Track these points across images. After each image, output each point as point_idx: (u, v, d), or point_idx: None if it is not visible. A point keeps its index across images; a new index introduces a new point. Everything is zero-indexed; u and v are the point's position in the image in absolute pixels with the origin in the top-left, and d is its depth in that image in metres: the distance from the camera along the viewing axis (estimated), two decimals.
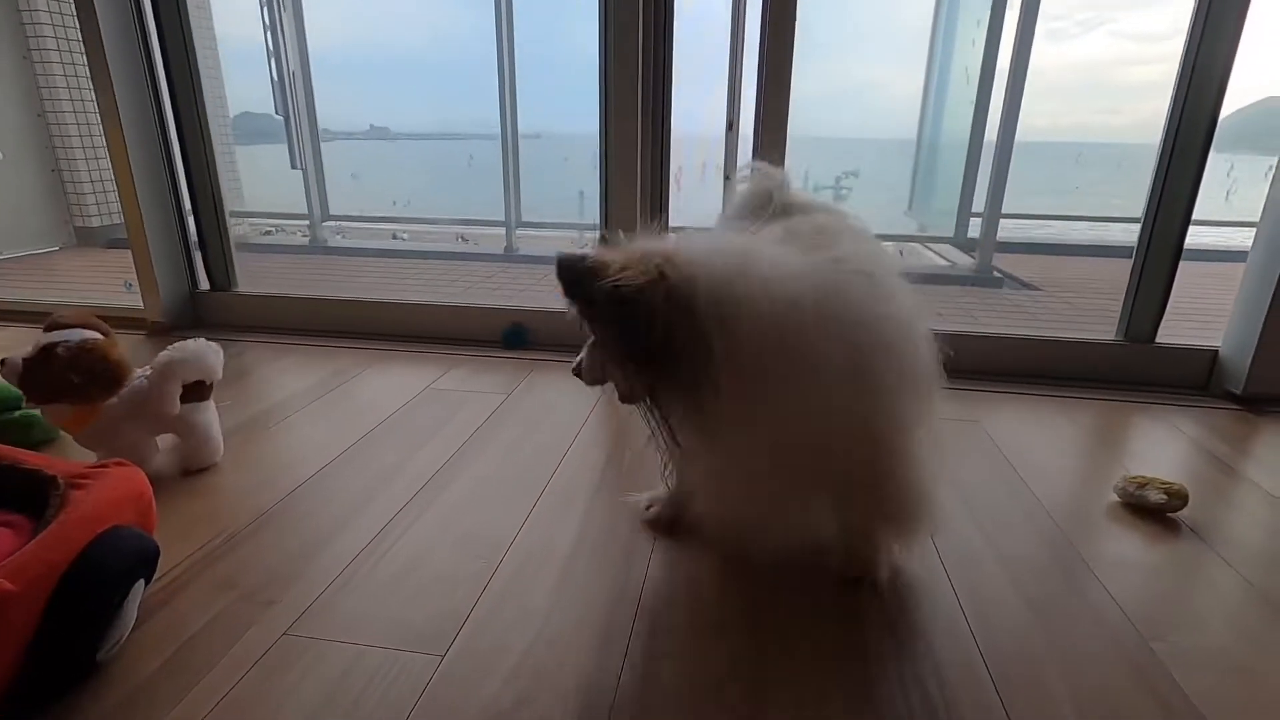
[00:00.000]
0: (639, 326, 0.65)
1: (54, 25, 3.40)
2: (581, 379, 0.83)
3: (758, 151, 1.55)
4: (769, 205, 0.91)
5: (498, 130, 3.74)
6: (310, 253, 3.91)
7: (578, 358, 0.83)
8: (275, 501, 1.03)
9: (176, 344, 1.09)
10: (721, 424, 0.70)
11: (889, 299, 0.76)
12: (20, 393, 1.17)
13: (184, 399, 1.09)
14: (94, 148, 3.61)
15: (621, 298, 0.64)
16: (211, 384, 1.13)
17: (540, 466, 1.15)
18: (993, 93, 3.26)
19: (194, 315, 1.91)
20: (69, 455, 1.11)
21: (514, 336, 1.75)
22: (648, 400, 0.73)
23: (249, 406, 1.38)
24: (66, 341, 1.01)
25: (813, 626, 0.79)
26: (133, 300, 1.89)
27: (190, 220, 1.85)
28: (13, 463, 0.82)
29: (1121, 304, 1.54)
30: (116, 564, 0.70)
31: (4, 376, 1.00)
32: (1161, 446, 1.29)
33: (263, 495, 1.05)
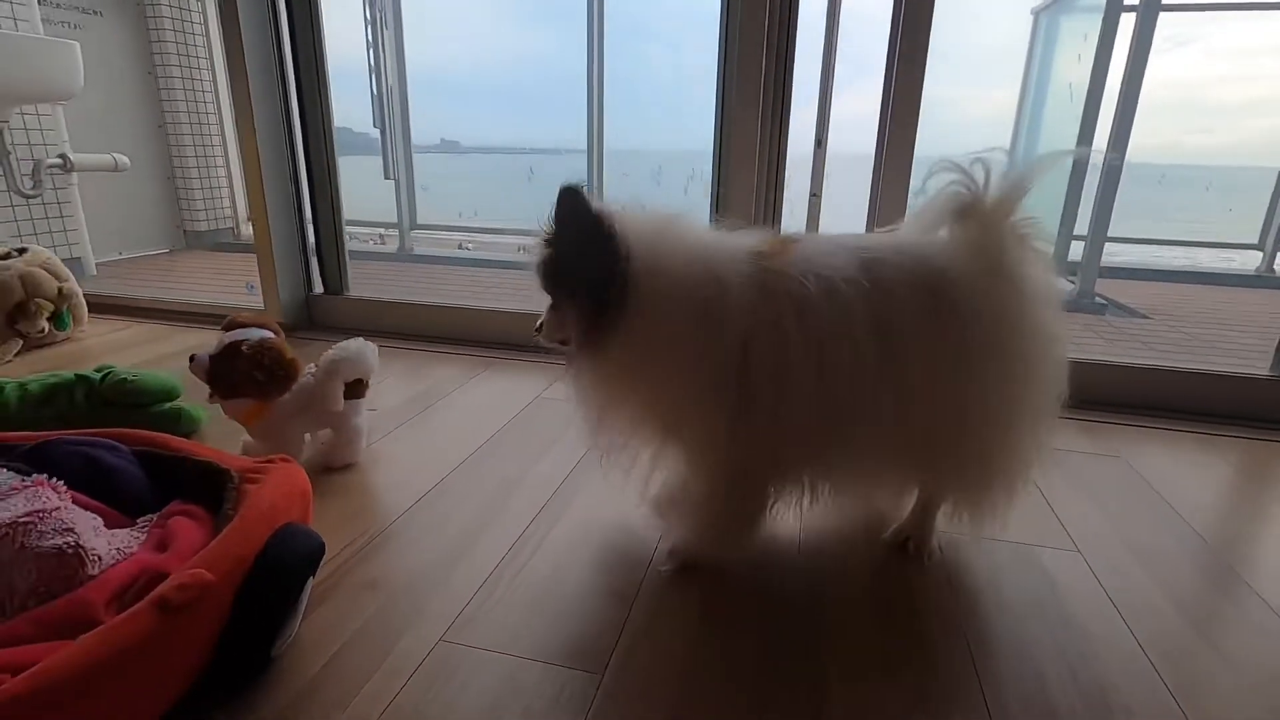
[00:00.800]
0: (604, 264, 0.75)
1: (177, 44, 3.62)
2: (540, 336, 0.88)
3: (879, 172, 1.51)
4: (964, 211, 0.86)
5: (558, 145, 3.76)
6: (398, 260, 4.04)
7: (540, 319, 0.88)
8: (409, 505, 1.04)
9: (339, 344, 1.12)
10: (612, 365, 0.80)
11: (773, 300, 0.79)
12: (170, 387, 1.23)
13: (344, 396, 1.12)
14: (206, 158, 3.83)
15: (608, 232, 0.75)
16: (367, 382, 1.16)
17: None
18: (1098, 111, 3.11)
19: (309, 317, 1.98)
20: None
21: None
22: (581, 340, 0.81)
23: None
24: (248, 339, 1.05)
25: (987, 659, 0.74)
26: (252, 300, 1.98)
27: (310, 227, 1.93)
28: (187, 455, 0.85)
29: (1278, 340, 1.43)
30: (294, 560, 0.71)
31: (193, 371, 1.04)
32: None
33: (397, 497, 1.07)
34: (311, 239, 1.94)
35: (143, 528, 0.77)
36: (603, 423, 0.88)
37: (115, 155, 2.60)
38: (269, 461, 0.83)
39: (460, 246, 4.30)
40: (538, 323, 0.89)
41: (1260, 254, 3.75)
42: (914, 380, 0.81)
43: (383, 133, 3.70)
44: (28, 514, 0.61)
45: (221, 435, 1.21)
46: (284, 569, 0.69)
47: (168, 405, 1.23)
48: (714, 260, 0.80)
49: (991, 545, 0.97)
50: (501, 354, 1.77)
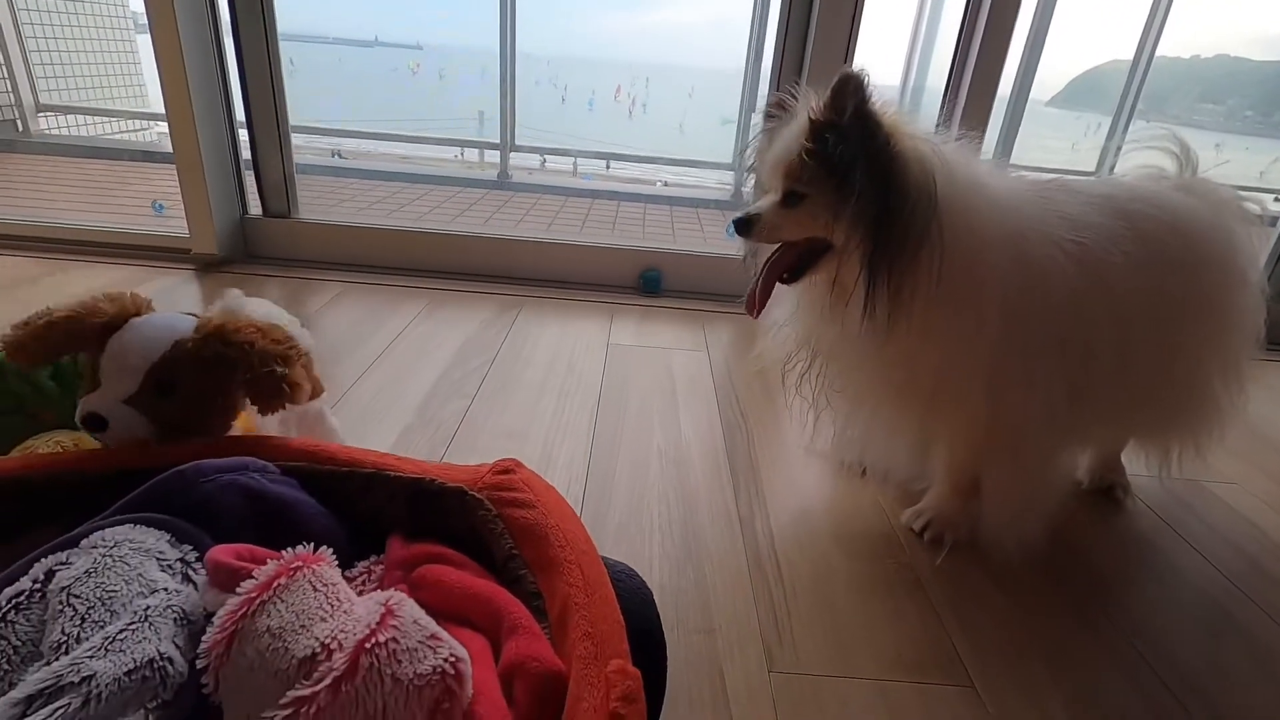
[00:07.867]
0: (908, 207, 0.66)
1: None
2: (746, 235, 0.76)
3: (963, 114, 1.44)
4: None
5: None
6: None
7: (742, 214, 0.76)
8: (580, 491, 0.86)
9: (229, 305, 0.67)
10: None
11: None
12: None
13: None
14: None
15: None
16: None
17: None
18: None
19: (244, 247, 1.56)
20: None
21: (652, 282, 1.57)
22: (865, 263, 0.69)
23: (394, 363, 1.13)
24: (177, 328, 0.59)
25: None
26: (161, 224, 1.51)
27: (242, 133, 1.48)
28: (376, 468, 0.60)
29: None
30: (652, 608, 0.53)
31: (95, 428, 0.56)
32: None
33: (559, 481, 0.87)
34: (245, 148, 1.49)
35: (361, 582, 0.54)
36: (864, 399, 0.80)
37: None
38: (506, 472, 0.61)
39: (335, 155, 3.65)
40: (743, 214, 0.75)
41: None
42: (1172, 331, 0.80)
43: None
44: (374, 628, 0.37)
45: None
46: (656, 624, 0.51)
47: None
48: (1021, 212, 0.73)
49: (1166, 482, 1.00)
50: (517, 290, 1.51)
